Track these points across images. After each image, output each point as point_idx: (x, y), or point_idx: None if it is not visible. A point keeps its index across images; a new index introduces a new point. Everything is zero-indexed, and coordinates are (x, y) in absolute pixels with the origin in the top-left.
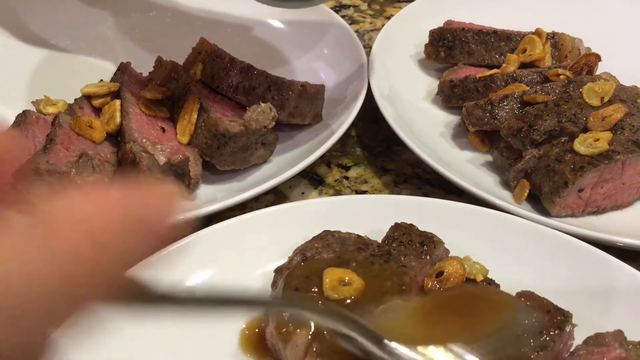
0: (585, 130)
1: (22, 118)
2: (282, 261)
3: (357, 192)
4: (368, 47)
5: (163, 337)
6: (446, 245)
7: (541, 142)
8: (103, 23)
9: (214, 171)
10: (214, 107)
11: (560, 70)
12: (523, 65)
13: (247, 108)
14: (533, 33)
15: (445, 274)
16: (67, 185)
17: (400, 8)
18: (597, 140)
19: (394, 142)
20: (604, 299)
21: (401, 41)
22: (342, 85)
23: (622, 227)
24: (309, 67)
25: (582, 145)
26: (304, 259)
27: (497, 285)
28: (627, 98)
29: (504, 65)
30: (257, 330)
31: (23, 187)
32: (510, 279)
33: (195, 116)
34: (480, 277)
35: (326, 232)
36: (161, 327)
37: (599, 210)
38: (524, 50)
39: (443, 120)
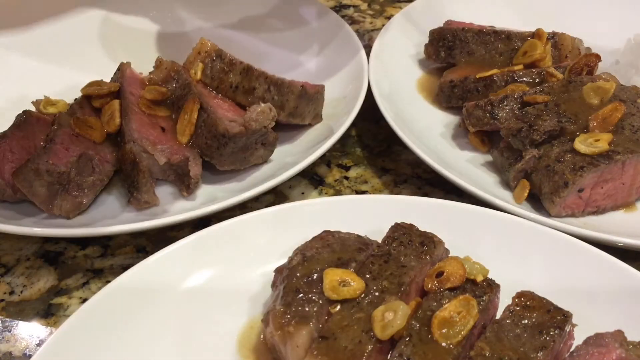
0: (586, 130)
1: (22, 118)
2: (282, 261)
3: (357, 192)
4: (368, 47)
5: (163, 337)
6: (446, 245)
7: (541, 142)
8: (103, 23)
9: (214, 171)
10: (214, 108)
11: (552, 70)
12: (524, 66)
13: (247, 108)
14: (533, 34)
15: (445, 274)
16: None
17: (400, 8)
18: (598, 140)
19: (394, 142)
20: (604, 299)
21: (401, 41)
22: (342, 85)
23: (622, 227)
24: (309, 67)
25: (583, 144)
26: (304, 259)
27: (497, 286)
28: (627, 98)
29: (507, 69)
30: (257, 330)
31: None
32: (510, 279)
33: (195, 116)
34: (480, 277)
35: (326, 232)
36: (161, 327)
37: (599, 210)
38: (525, 53)
39: (443, 120)
